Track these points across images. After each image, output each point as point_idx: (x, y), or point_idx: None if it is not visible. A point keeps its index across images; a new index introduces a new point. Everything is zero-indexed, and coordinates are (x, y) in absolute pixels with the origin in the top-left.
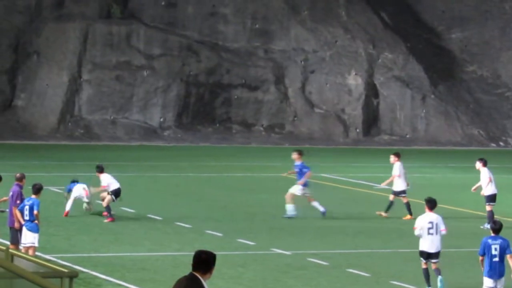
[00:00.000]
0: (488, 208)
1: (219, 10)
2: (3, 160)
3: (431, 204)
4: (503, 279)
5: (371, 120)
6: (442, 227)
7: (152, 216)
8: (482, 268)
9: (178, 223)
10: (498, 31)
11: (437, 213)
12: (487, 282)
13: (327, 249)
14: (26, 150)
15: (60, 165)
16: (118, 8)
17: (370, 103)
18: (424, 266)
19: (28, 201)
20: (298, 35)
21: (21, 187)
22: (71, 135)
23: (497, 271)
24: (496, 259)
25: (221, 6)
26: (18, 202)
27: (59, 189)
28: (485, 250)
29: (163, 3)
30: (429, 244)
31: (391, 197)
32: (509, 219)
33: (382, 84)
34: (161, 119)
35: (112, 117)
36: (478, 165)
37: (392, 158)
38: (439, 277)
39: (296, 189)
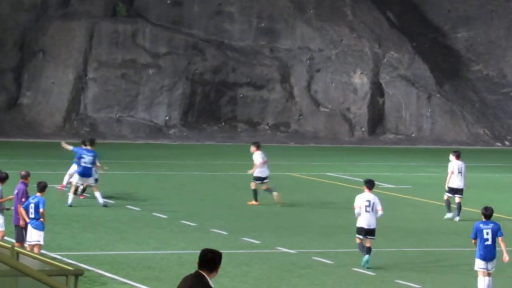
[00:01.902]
0: (456, 200)
1: (225, 9)
2: (8, 158)
3: (370, 184)
4: (494, 261)
5: (377, 119)
6: (379, 207)
7: (157, 215)
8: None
9: (184, 222)
10: (504, 30)
11: (375, 193)
12: (479, 263)
13: (332, 248)
14: (32, 148)
15: (65, 163)
16: (123, 7)
17: (376, 102)
18: (358, 242)
19: (33, 199)
20: (303, 34)
21: (26, 185)
22: (77, 133)
23: (488, 253)
24: (488, 242)
25: (227, 5)
26: (23, 200)
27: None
28: (477, 234)
29: (168, 1)
30: (365, 221)
31: (253, 184)
32: None
33: (387, 83)
34: (167, 118)
35: (117, 116)
36: (451, 157)
37: (252, 148)
38: (366, 256)
39: (75, 179)
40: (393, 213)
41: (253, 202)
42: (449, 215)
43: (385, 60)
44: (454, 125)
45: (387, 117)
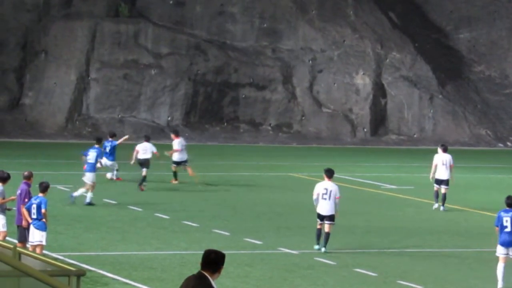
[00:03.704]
0: (442, 190)
1: (227, 9)
2: (11, 158)
3: (329, 173)
4: None
5: (379, 120)
6: (338, 195)
7: (159, 215)
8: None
9: (186, 222)
10: (506, 31)
11: (334, 182)
12: (500, 249)
13: (334, 249)
14: (34, 148)
15: (67, 164)
16: (126, 7)
17: (378, 103)
18: (318, 227)
19: (35, 199)
20: (306, 35)
21: (29, 185)
22: (79, 133)
23: (508, 240)
24: (507, 229)
25: (229, 5)
26: (26, 200)
27: (66, 187)
28: (499, 222)
29: (171, 2)
30: (322, 207)
31: (173, 167)
32: None
33: (389, 84)
34: (169, 118)
35: (119, 116)
36: (439, 150)
37: (172, 136)
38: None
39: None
40: (395, 214)
41: (174, 181)
42: (435, 206)
43: (387, 60)
44: (456, 126)
45: (389, 118)
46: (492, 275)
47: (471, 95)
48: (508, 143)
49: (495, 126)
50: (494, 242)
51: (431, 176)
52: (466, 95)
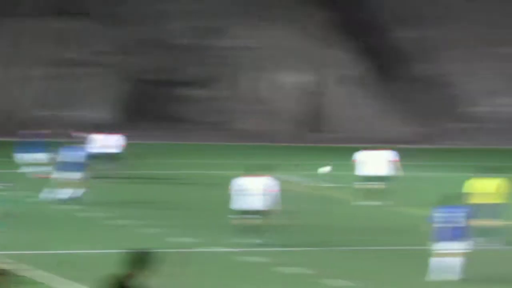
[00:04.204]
0: (366, 186)
1: (166, 8)
2: None
3: (251, 169)
4: None
5: (318, 118)
6: (271, 189)
7: (94, 214)
8: None
9: (117, 221)
10: (450, 30)
11: (261, 177)
12: None
13: (268, 247)
14: None
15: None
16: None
17: (316, 101)
18: (242, 222)
19: None
20: (248, 33)
21: None
22: (17, 132)
23: None
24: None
25: (168, 3)
26: None
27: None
28: None
29: None
30: (242, 202)
31: None
32: None
33: (328, 81)
34: (109, 117)
35: (58, 114)
36: (372, 149)
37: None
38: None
39: None
40: (330, 211)
41: None
42: (364, 203)
43: (328, 58)
44: (396, 124)
45: (327, 116)
46: (425, 270)
47: (411, 93)
48: (444, 141)
49: (431, 125)
50: (424, 238)
51: (359, 173)
52: (406, 94)
